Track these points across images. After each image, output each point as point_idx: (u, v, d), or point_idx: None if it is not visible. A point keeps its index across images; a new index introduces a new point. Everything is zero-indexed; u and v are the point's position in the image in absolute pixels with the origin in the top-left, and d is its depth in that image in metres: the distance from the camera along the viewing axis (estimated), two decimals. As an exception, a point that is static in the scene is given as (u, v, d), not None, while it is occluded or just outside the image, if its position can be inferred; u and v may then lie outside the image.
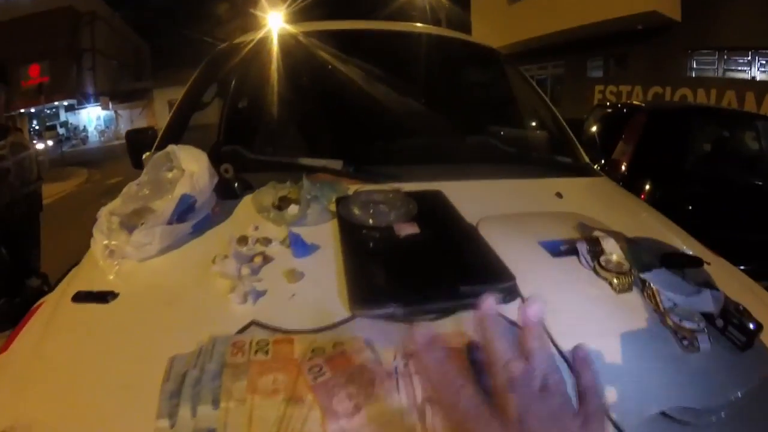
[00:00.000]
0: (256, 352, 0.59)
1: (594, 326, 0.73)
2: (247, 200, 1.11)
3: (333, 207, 1.00)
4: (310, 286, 0.78)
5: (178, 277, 0.87)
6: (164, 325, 0.74)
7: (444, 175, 1.23)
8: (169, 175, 1.17)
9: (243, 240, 0.90)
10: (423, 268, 0.81)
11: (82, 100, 27.14)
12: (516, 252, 0.85)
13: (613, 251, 0.84)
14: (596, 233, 0.89)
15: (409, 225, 0.88)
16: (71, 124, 27.77)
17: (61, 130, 26.09)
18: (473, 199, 1.09)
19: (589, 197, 1.34)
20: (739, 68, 11.26)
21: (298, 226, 0.95)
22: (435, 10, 15.17)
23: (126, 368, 0.66)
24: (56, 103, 26.37)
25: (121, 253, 0.92)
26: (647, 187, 3.92)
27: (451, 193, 1.09)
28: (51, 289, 2.02)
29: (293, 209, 0.94)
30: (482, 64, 2.13)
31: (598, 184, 1.47)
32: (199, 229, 0.99)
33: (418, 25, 2.45)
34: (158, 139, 1.61)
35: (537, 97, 1.96)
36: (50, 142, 20.92)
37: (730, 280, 0.96)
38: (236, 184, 1.16)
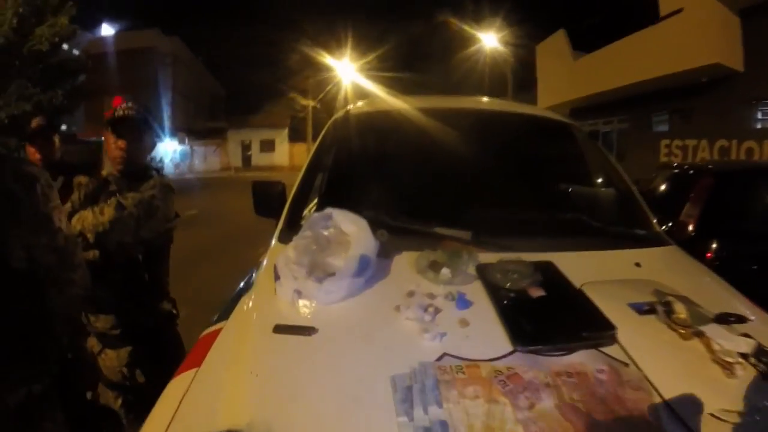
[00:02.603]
0: (456, 372, 0.93)
1: (665, 362, 1.05)
2: (397, 259, 1.44)
3: (471, 270, 1.33)
4: (477, 330, 1.10)
5: (365, 319, 1.18)
6: (367, 354, 1.04)
7: (548, 247, 1.52)
8: (326, 233, 1.50)
9: (411, 293, 1.24)
10: (555, 320, 1.16)
11: (160, 133, 29.23)
12: (613, 310, 1.17)
13: (681, 312, 1.16)
14: (669, 298, 1.21)
15: (538, 289, 1.21)
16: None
17: (139, 159, 28.17)
18: (575, 268, 1.38)
19: (663, 266, 1.61)
20: (804, 115, 10.95)
21: (449, 285, 1.28)
22: (500, 64, 15.66)
23: (351, 385, 0.95)
24: (135, 133, 28.64)
25: (309, 296, 1.24)
26: (714, 246, 3.98)
27: (558, 263, 1.39)
28: (179, 313, 2.37)
29: (446, 272, 1.28)
30: (571, 144, 2.37)
31: (669, 254, 1.75)
32: (369, 283, 1.31)
33: (520, 105, 2.81)
34: (292, 195, 1.96)
35: (613, 169, 2.24)
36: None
37: None
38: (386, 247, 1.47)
